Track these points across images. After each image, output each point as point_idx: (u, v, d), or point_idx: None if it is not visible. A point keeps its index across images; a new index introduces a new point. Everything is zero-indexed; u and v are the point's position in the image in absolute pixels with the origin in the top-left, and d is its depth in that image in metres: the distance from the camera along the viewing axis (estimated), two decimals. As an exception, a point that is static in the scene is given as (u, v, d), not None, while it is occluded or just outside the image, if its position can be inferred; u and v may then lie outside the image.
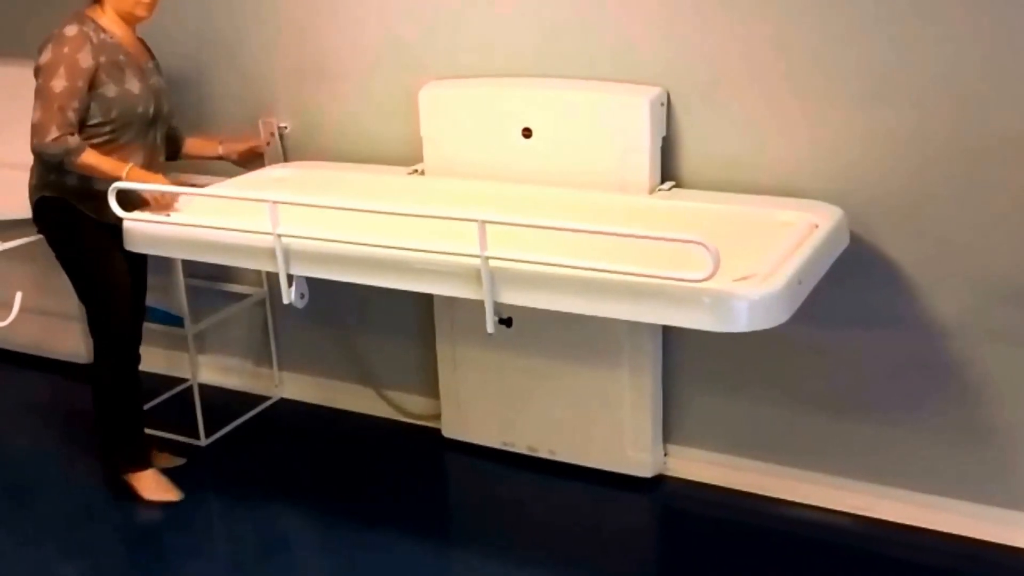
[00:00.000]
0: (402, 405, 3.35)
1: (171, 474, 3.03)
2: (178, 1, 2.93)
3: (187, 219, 2.53)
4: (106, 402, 2.95)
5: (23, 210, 3.13)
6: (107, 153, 2.65)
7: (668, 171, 2.70)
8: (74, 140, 2.58)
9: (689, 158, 2.69)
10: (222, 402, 3.49)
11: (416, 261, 2.24)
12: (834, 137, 2.52)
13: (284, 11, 3.12)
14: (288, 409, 3.52)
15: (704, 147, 2.67)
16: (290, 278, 2.41)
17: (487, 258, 2.14)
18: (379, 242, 2.26)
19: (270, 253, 2.38)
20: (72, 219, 2.71)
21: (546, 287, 2.14)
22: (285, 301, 2.43)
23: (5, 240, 3.18)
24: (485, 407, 3.09)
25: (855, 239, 2.50)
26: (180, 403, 3.42)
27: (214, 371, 3.65)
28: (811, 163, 2.56)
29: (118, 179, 2.54)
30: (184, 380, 3.46)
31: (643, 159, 2.63)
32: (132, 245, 2.61)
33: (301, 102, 3.18)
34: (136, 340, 2.92)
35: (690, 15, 2.59)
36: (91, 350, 2.89)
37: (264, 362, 3.56)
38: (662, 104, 2.64)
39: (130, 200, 2.58)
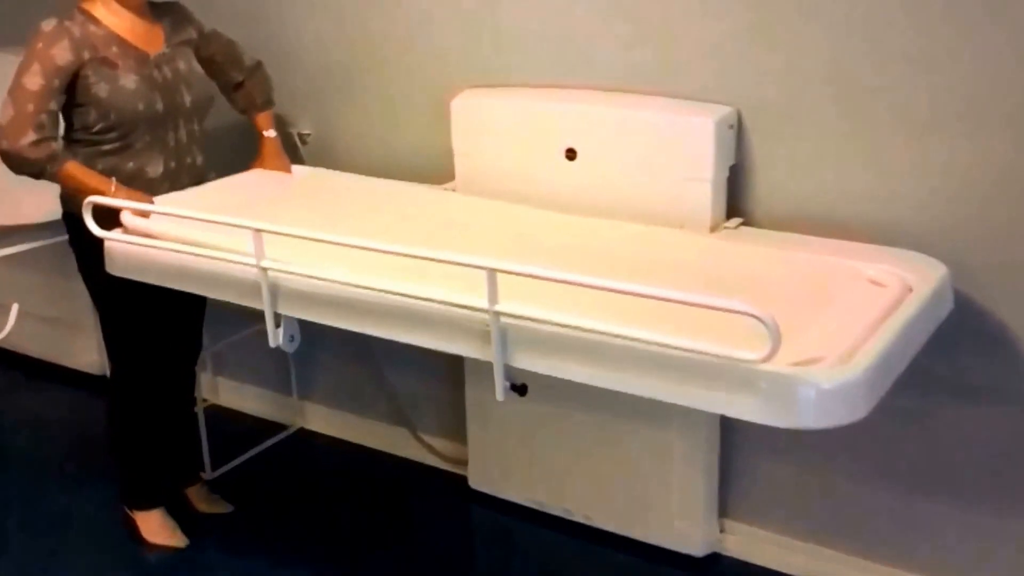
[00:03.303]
0: (429, 446, 3.01)
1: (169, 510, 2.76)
2: (201, 5, 2.63)
3: (171, 243, 2.19)
4: (116, 429, 2.72)
5: (31, 216, 2.94)
6: (120, 161, 2.38)
7: (735, 206, 2.31)
8: (58, 146, 2.32)
9: (761, 191, 2.28)
10: (236, 430, 3.22)
11: (417, 310, 1.88)
12: (938, 173, 2.09)
13: (309, 10, 2.81)
14: (307, 442, 3.23)
15: (779, 179, 2.26)
16: (278, 317, 2.08)
17: (497, 313, 1.77)
18: (376, 284, 1.90)
19: (255, 287, 2.05)
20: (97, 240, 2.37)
21: (567, 352, 1.77)
22: (272, 344, 2.09)
23: (14, 245, 3.00)
24: (517, 459, 2.74)
25: (960, 297, 2.05)
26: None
27: (231, 395, 3.39)
28: (909, 204, 2.13)
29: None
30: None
31: (705, 191, 2.23)
32: (113, 268, 2.31)
33: (327, 109, 2.87)
34: (161, 376, 2.64)
35: (769, 23, 2.18)
36: (106, 363, 2.68)
37: (284, 389, 3.26)
38: (731, 126, 2.23)
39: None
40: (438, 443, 3.00)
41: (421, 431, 3.03)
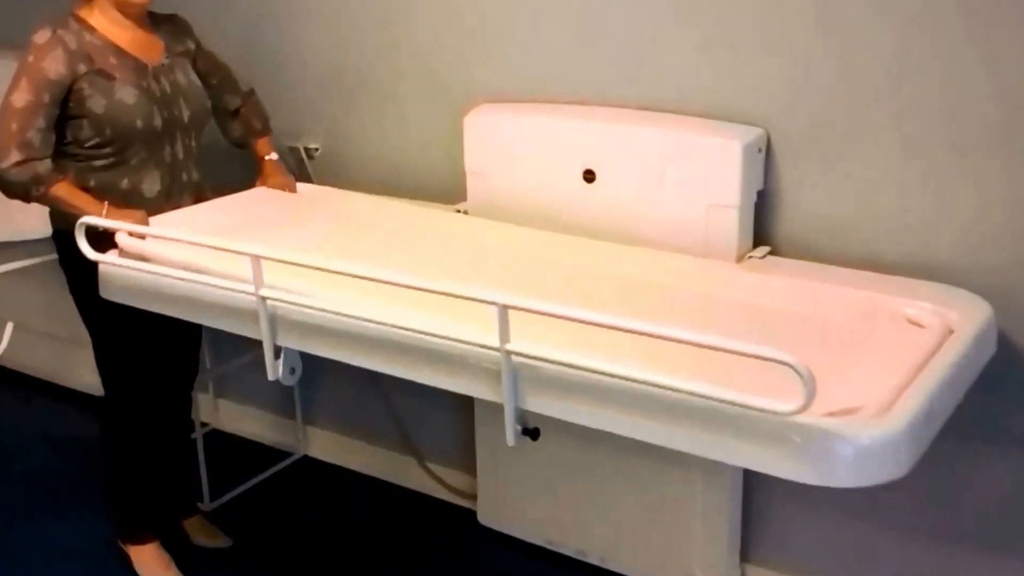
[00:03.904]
0: (437, 477, 2.89)
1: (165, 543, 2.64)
2: (205, 16, 2.54)
3: (169, 268, 2.07)
4: (110, 459, 2.59)
5: (29, 231, 2.84)
6: (114, 177, 2.27)
7: (763, 234, 2.18)
8: (44, 167, 2.20)
9: (790, 219, 2.16)
10: (236, 457, 3.10)
11: (424, 345, 1.76)
12: (979, 202, 1.96)
13: (317, 20, 2.70)
14: (310, 469, 3.11)
15: (810, 206, 2.13)
16: (277, 348, 1.96)
17: (508, 352, 1.64)
18: (381, 317, 1.78)
19: (255, 316, 1.93)
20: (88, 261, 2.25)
21: (583, 395, 1.64)
22: (271, 377, 1.97)
23: (11, 262, 2.90)
24: (528, 494, 2.61)
25: (1004, 340, 1.92)
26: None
27: (232, 418, 3.27)
28: (949, 235, 2.00)
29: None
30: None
31: (731, 217, 2.10)
32: (108, 292, 2.20)
33: (335, 123, 2.75)
34: (156, 401, 2.53)
35: (803, 37, 2.05)
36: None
37: (288, 413, 3.14)
38: (760, 150, 2.11)
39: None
40: (446, 474, 2.88)
41: (429, 461, 2.90)
